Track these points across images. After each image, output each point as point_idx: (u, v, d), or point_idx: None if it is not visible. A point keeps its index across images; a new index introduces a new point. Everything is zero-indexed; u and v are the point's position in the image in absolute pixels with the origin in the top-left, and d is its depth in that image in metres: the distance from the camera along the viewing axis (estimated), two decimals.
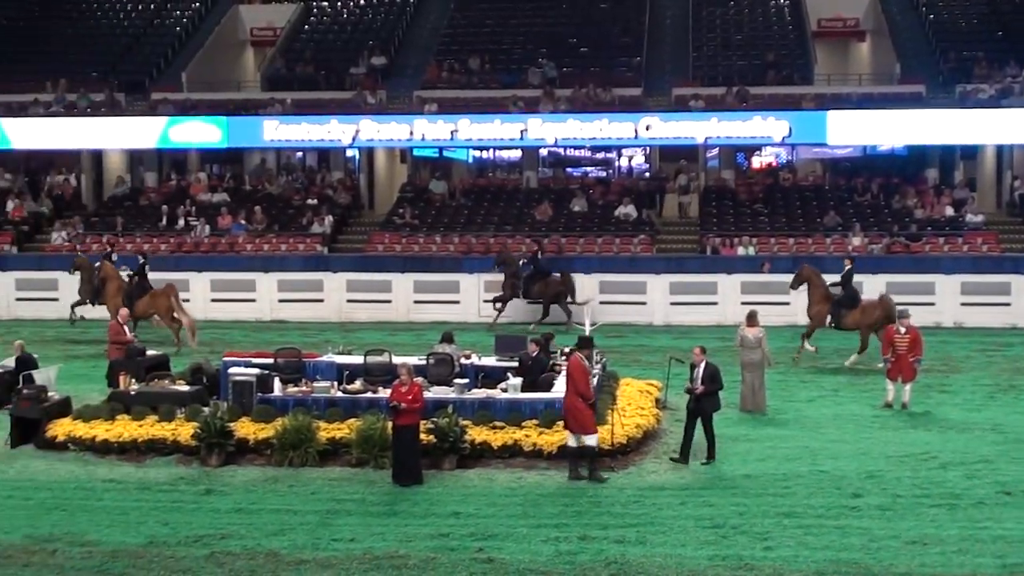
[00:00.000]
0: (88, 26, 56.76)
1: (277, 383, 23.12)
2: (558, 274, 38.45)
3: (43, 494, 19.46)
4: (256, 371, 23.36)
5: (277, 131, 45.21)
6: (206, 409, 22.21)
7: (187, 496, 19.34)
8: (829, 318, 31.44)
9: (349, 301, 39.86)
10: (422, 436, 20.26)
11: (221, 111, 46.84)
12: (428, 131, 44.61)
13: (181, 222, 44.98)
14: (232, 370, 23.67)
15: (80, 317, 37.27)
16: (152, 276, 36.49)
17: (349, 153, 49.51)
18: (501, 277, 38.83)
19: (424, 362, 24.16)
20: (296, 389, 23.18)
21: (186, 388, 23.80)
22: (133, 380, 24.02)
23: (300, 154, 51.81)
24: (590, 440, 19.96)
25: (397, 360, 23.58)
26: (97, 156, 50.32)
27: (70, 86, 49.41)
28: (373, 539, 16.93)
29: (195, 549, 16.60)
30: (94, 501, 19.11)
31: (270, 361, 24.62)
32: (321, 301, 40.17)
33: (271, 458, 21.04)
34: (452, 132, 44.40)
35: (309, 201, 46.41)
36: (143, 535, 17.22)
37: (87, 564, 16.06)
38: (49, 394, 23.48)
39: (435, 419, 20.79)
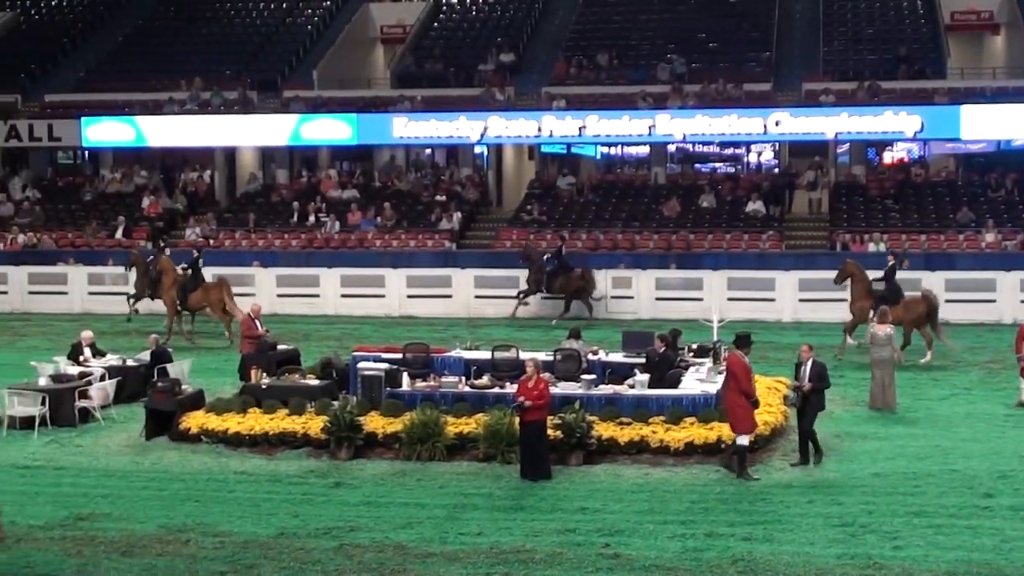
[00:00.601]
0: (222, 25, 57.72)
1: (405, 378, 23.35)
2: (579, 269, 38.54)
3: (177, 485, 19.83)
4: (385, 366, 23.58)
5: (406, 128, 45.58)
6: (336, 403, 22.46)
7: (317, 489, 19.59)
8: (871, 313, 31.11)
9: (477, 297, 39.98)
10: (549, 431, 20.30)
11: (351, 108, 47.37)
12: (556, 127, 44.69)
13: (311, 218, 45.50)
14: (361, 365, 23.90)
15: (135, 311, 37.70)
16: (287, 272, 36.88)
17: (477, 150, 49.70)
18: (628, 273, 38.94)
19: (551, 358, 24.21)
20: (424, 384, 23.36)
21: (316, 382, 24.12)
22: (264, 374, 24.38)
23: (429, 151, 52.14)
24: (742, 440, 19.83)
25: (524, 355, 23.63)
26: (230, 153, 51.11)
27: (204, 85, 50.26)
28: (500, 533, 17.01)
29: (324, 541, 16.80)
30: (226, 493, 19.43)
31: (399, 356, 24.87)
32: (449, 297, 40.32)
33: (399, 452, 21.22)
34: (580, 128, 44.42)
35: (438, 197, 46.68)
36: (274, 527, 17.48)
37: (219, 554, 16.33)
38: (183, 387, 23.92)
39: (562, 415, 20.82)
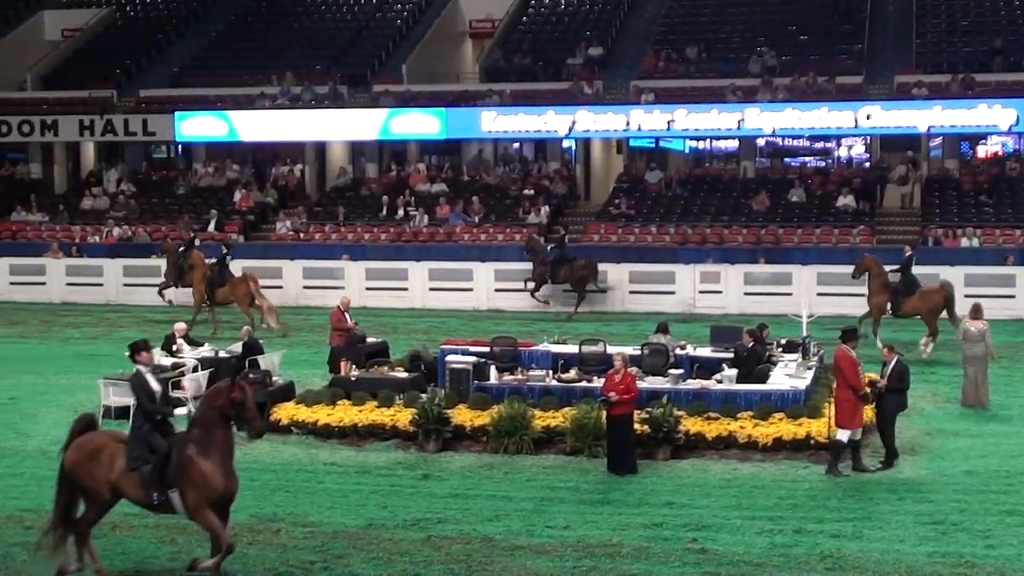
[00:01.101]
0: (312, 20, 58.14)
1: (493, 371, 23.42)
2: (582, 259, 38.73)
3: (267, 475, 20.04)
4: (473, 359, 23.67)
5: (495, 122, 45.68)
6: (424, 396, 22.59)
7: (405, 480, 19.73)
8: (889, 306, 30.84)
9: (564, 291, 39.95)
10: (636, 426, 20.28)
11: (440, 103, 47.56)
12: (644, 121, 44.59)
13: (400, 212, 45.72)
14: (449, 358, 24.02)
15: (169, 301, 38.86)
16: (375, 265, 37.18)
17: (565, 144, 49.68)
18: (717, 268, 38.92)
19: (639, 352, 24.18)
20: (512, 377, 23.42)
21: (405, 375, 24.26)
22: (354, 366, 24.57)
23: (517, 145, 52.22)
24: (841, 435, 19.64)
25: (612, 350, 23.64)
26: (320, 148, 51.51)
27: (295, 80, 50.66)
28: (587, 527, 17.04)
29: (412, 532, 16.92)
30: (316, 483, 19.63)
31: (487, 349, 24.95)
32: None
33: (487, 445, 21.32)
34: (669, 122, 44.27)
35: (526, 191, 46.73)
36: (362, 517, 17.63)
37: (309, 544, 16.50)
38: (274, 379, 24.19)
39: (649, 409, 20.79)
